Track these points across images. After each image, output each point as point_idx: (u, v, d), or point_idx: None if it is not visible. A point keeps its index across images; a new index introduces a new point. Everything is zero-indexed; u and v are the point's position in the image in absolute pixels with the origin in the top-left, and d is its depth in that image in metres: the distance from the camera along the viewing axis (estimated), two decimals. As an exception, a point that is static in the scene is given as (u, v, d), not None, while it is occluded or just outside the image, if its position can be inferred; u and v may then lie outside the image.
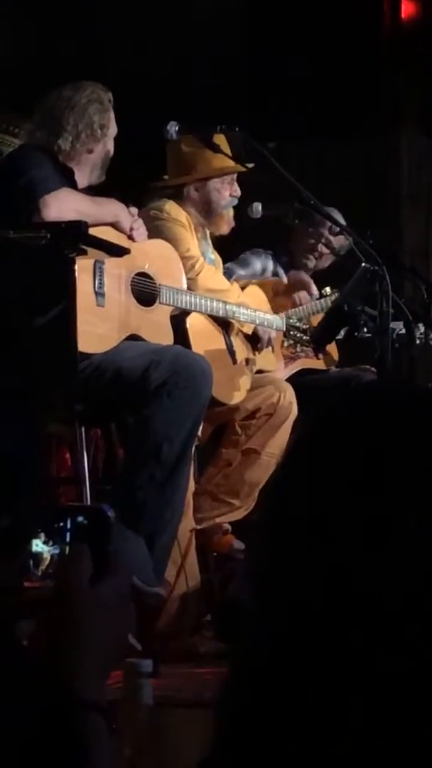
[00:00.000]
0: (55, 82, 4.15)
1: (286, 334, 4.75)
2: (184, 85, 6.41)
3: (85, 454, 3.82)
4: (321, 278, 5.23)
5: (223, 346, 4.51)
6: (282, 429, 4.49)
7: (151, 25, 6.67)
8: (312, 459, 0.95)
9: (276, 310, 4.83)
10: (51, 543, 1.31)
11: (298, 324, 4.75)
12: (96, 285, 3.84)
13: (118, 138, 4.14)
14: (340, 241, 5.15)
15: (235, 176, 4.62)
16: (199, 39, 6.76)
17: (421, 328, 4.93)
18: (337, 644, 0.88)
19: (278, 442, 4.47)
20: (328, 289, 5.09)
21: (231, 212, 4.67)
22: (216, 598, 4.33)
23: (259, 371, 4.72)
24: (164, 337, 4.07)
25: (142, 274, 4.05)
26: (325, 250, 5.29)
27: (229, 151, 4.42)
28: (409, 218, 7.27)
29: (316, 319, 4.80)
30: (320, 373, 5.18)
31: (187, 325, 4.29)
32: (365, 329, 4.03)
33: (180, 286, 4.20)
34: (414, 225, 7.31)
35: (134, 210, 4.09)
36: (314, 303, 5.02)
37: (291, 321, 4.74)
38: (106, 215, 3.94)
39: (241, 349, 4.61)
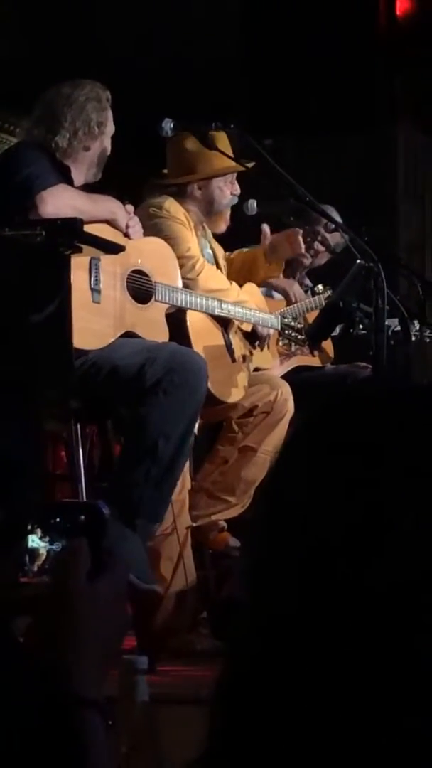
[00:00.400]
0: (52, 80, 4.15)
1: (281, 333, 4.76)
2: (180, 82, 6.41)
3: (81, 450, 3.82)
4: (317, 275, 5.24)
5: (222, 343, 4.52)
6: (279, 427, 4.50)
7: (147, 23, 6.67)
8: (309, 455, 0.95)
9: (278, 263, 4.81)
10: (47, 539, 1.31)
11: (293, 323, 4.75)
12: (92, 282, 3.85)
13: (115, 135, 4.14)
14: (335, 239, 5.15)
15: (235, 175, 4.62)
16: (195, 36, 6.76)
17: (417, 325, 4.93)
18: (333, 641, 0.88)
19: (275, 439, 4.47)
20: (320, 287, 5.10)
21: (228, 211, 4.68)
22: (212, 595, 4.34)
23: (256, 369, 4.73)
24: (160, 334, 4.07)
25: (138, 272, 4.05)
26: (321, 248, 5.30)
27: (229, 150, 4.42)
28: (405, 215, 7.28)
29: (311, 317, 4.80)
30: (316, 371, 5.18)
31: (187, 323, 4.30)
32: (361, 326, 4.03)
33: (175, 284, 4.20)
34: (410, 222, 7.31)
35: (130, 207, 4.09)
36: (308, 301, 5.02)
37: (286, 320, 4.74)
38: (103, 212, 3.94)
39: (239, 347, 4.61)
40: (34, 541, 1.33)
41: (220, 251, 4.80)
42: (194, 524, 4.27)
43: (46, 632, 1.25)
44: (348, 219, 4.67)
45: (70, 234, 3.61)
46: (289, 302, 5.01)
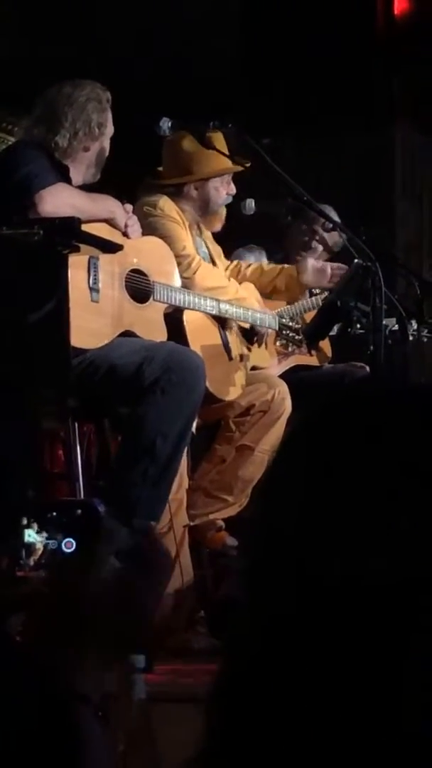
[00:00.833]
0: (52, 79, 4.15)
1: (278, 334, 4.76)
2: (178, 81, 6.40)
3: (78, 449, 3.83)
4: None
5: (220, 341, 4.52)
6: (276, 426, 4.49)
7: (146, 21, 6.66)
8: (307, 454, 0.95)
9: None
10: (43, 534, 1.31)
11: (290, 323, 4.75)
12: (90, 281, 3.85)
13: (113, 134, 4.14)
14: (333, 238, 5.15)
15: (231, 175, 4.62)
16: (194, 36, 6.75)
17: (414, 324, 4.93)
18: (331, 640, 0.88)
19: (272, 438, 4.47)
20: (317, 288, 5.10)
21: (224, 210, 4.68)
22: (209, 594, 4.34)
23: (254, 368, 4.73)
24: (158, 333, 4.07)
25: (137, 271, 4.05)
26: (319, 247, 5.29)
27: (225, 149, 4.42)
28: (403, 214, 7.27)
29: (309, 317, 4.80)
30: (313, 370, 5.18)
31: (184, 321, 4.30)
32: (358, 326, 4.03)
33: (174, 283, 4.21)
34: (407, 221, 7.31)
35: (129, 207, 4.10)
36: (305, 301, 5.02)
37: (283, 321, 4.74)
38: (102, 211, 3.94)
39: (237, 345, 4.61)
40: (31, 536, 1.34)
41: (216, 250, 4.79)
42: (191, 523, 4.27)
43: (48, 630, 1.25)
44: (346, 218, 4.67)
45: (69, 233, 3.61)
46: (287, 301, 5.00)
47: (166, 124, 4.16)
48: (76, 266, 3.74)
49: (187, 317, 4.32)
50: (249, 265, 4.98)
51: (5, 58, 6.02)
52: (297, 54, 6.97)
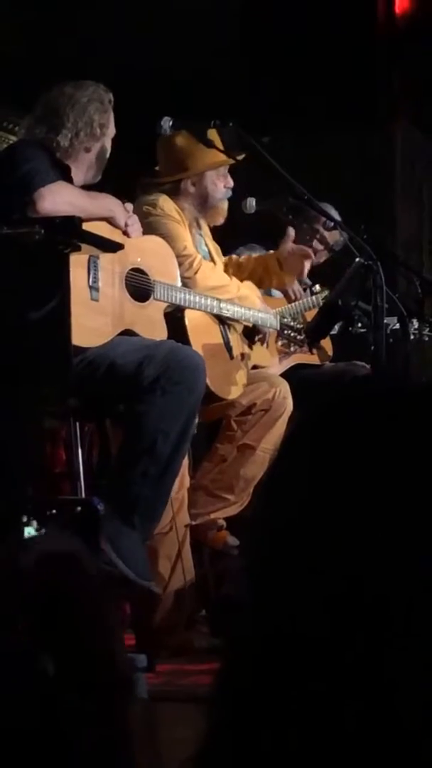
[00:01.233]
0: (52, 79, 4.15)
1: (279, 333, 4.76)
2: (178, 79, 6.40)
3: (79, 448, 3.82)
4: (315, 274, 5.23)
5: (221, 340, 4.52)
6: (277, 424, 4.49)
7: (146, 20, 6.66)
8: (308, 452, 0.95)
9: (287, 274, 4.83)
10: (43, 531, 1.31)
11: (291, 323, 4.75)
12: (90, 279, 3.85)
13: (114, 133, 4.14)
14: (334, 237, 5.15)
15: (227, 168, 4.63)
16: (194, 34, 6.75)
17: (415, 323, 4.93)
18: (334, 640, 0.88)
19: (273, 437, 4.47)
20: (318, 287, 5.10)
21: (225, 204, 4.68)
22: (211, 593, 4.34)
23: (255, 366, 4.73)
24: (158, 332, 4.07)
25: (137, 270, 4.05)
26: (320, 246, 5.29)
27: (220, 145, 4.42)
28: (403, 213, 7.27)
29: (309, 315, 4.80)
30: (315, 369, 5.18)
31: (186, 320, 4.30)
32: (359, 324, 4.03)
33: (174, 282, 4.21)
34: (408, 220, 7.31)
35: (129, 206, 4.10)
36: (306, 300, 5.02)
37: (285, 320, 4.74)
38: (102, 210, 3.94)
39: (238, 344, 4.61)
40: (30, 533, 1.34)
41: (216, 247, 4.80)
42: (193, 522, 4.28)
43: (46, 628, 1.25)
44: (347, 217, 4.67)
45: (69, 232, 3.61)
46: (288, 300, 5.00)
47: (167, 123, 4.16)
48: (76, 265, 3.74)
49: (189, 316, 4.32)
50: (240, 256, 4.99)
51: (6, 58, 6.02)
52: (298, 53, 6.98)
